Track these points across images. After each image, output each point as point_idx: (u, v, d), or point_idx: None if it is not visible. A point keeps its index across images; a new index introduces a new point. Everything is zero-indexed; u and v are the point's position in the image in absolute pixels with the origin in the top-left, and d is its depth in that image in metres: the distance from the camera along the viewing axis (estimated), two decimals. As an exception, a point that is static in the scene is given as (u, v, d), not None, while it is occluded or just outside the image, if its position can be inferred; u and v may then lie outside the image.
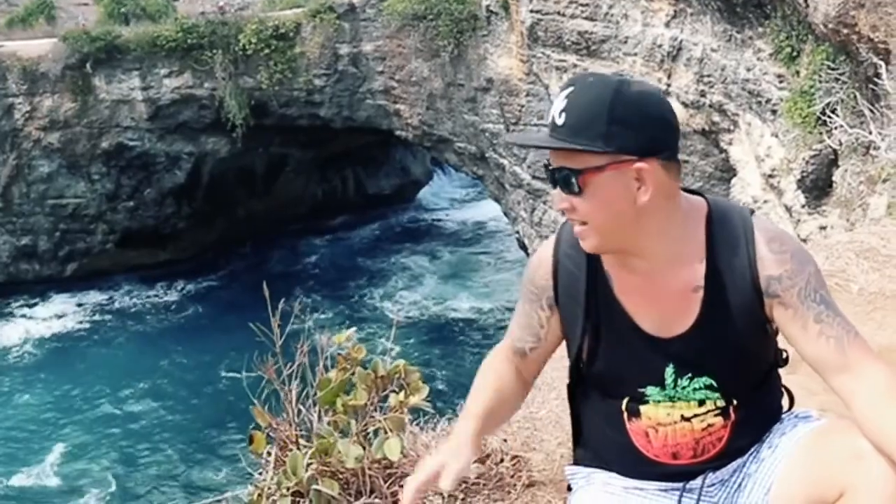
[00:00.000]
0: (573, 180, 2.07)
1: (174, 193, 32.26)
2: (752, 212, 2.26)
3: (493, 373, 2.51)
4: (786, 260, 2.16)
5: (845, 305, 4.61)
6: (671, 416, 2.26)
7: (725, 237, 2.19)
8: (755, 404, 2.29)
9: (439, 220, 38.32)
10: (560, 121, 2.05)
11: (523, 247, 26.29)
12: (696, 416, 2.25)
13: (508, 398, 2.48)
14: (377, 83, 28.74)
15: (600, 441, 2.40)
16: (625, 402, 2.31)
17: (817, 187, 12.46)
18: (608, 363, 2.30)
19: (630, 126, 2.04)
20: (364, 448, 2.90)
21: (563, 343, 2.42)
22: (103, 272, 31.88)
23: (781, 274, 2.15)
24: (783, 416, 2.37)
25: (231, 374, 22.89)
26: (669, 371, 2.24)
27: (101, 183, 31.48)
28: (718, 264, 2.18)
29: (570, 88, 2.07)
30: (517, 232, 26.59)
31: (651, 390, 2.26)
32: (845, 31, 11.55)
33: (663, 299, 2.21)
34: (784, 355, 2.33)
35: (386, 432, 2.94)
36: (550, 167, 2.13)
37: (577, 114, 2.04)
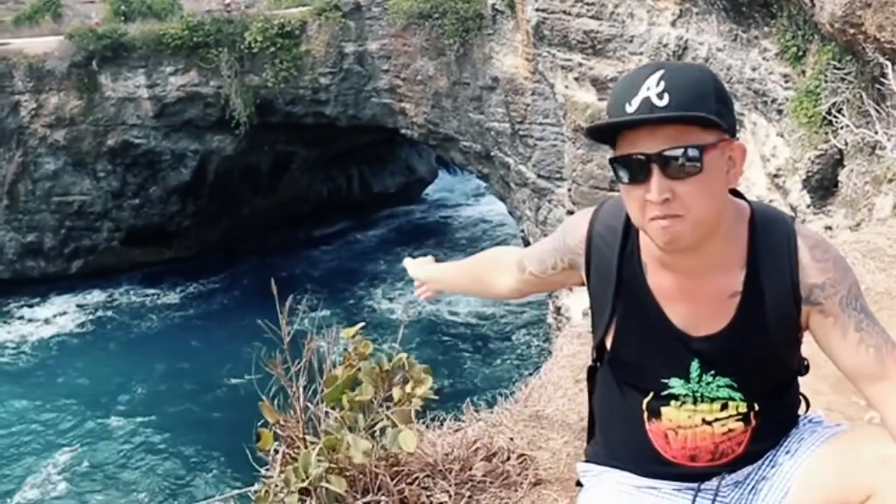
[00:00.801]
0: (698, 156, 1.97)
1: (179, 191, 32.30)
2: (794, 219, 2.25)
3: (490, 258, 2.87)
4: (828, 268, 2.15)
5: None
6: (692, 419, 2.26)
7: (768, 244, 2.17)
8: (776, 411, 2.29)
9: (446, 218, 38.31)
10: (662, 102, 1.95)
11: (528, 245, 26.26)
12: (717, 420, 2.25)
13: (486, 277, 2.83)
14: (382, 82, 28.75)
15: (616, 439, 2.40)
16: (646, 400, 2.30)
17: (823, 187, 12.42)
18: (634, 350, 2.29)
19: (728, 106, 2.04)
20: (372, 444, 2.90)
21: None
22: (108, 269, 31.92)
23: (825, 282, 2.14)
24: (798, 420, 2.37)
25: (236, 372, 22.96)
26: (695, 365, 2.23)
27: (106, 180, 31.53)
28: (759, 271, 2.16)
29: (661, 71, 1.99)
30: (522, 231, 26.59)
31: (675, 382, 2.25)
32: (851, 30, 11.52)
33: (698, 300, 2.20)
34: (805, 363, 2.33)
35: (394, 426, 2.94)
36: (646, 154, 1.99)
37: (683, 92, 1.96)
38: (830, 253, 2.18)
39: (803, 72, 13.68)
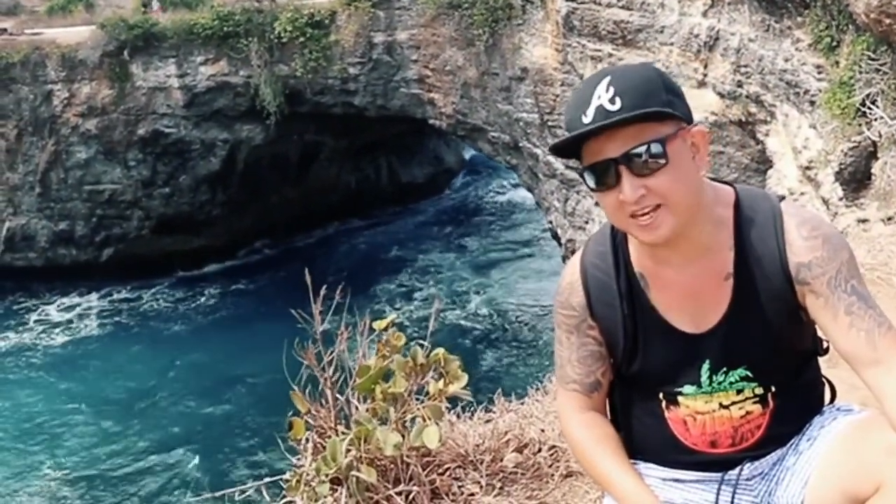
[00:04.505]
0: (661, 149, 2.02)
1: (209, 180, 32.46)
2: (783, 198, 2.24)
3: (588, 429, 2.39)
4: (817, 246, 2.13)
5: (888, 300, 4.55)
6: (710, 404, 2.26)
7: (754, 223, 2.18)
8: (794, 392, 2.28)
9: (475, 208, 38.24)
10: (615, 106, 2.01)
11: (556, 236, 26.20)
12: (734, 403, 2.26)
13: (615, 438, 2.41)
14: (411, 72, 28.70)
15: (638, 430, 2.40)
16: (662, 393, 2.31)
17: (855, 180, 12.29)
18: (645, 365, 2.30)
19: (679, 95, 2.09)
20: (402, 436, 2.91)
21: None
22: (138, 258, 32.14)
23: (811, 261, 2.12)
24: (824, 408, 2.36)
25: (266, 362, 23.05)
26: (705, 368, 2.24)
27: (137, 169, 31.76)
28: (747, 251, 2.17)
29: (608, 77, 2.05)
30: (550, 222, 26.50)
31: (688, 389, 2.27)
32: (887, 20, 11.39)
33: (697, 290, 2.20)
34: (825, 345, 2.32)
35: (424, 420, 2.95)
36: (612, 158, 2.05)
37: (632, 93, 2.01)
38: (821, 230, 2.16)
39: (837, 62, 13.53)
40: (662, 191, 2.03)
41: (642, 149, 2.02)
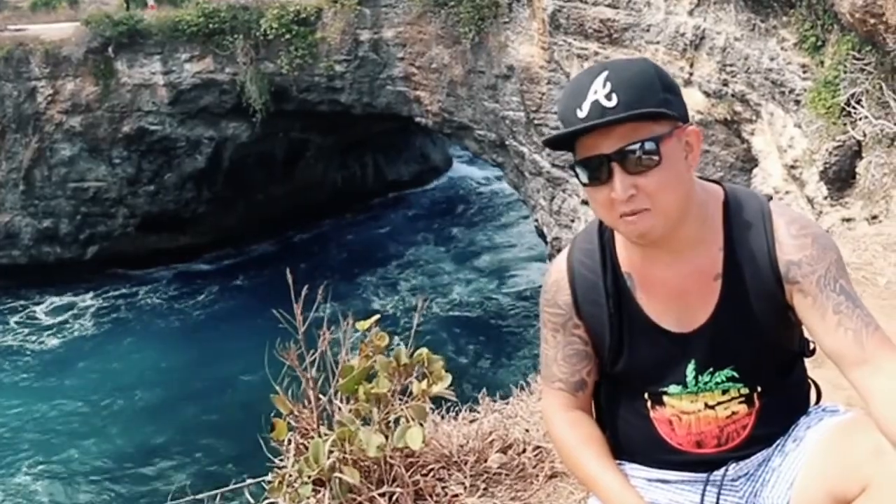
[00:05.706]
0: (654, 148, 2.01)
1: (194, 178, 32.34)
2: (770, 198, 2.24)
3: (573, 429, 2.37)
4: (806, 245, 2.13)
5: (872, 299, 4.56)
6: (695, 404, 2.25)
7: (743, 222, 2.17)
8: (780, 393, 2.27)
9: (460, 199, 38.26)
10: (611, 103, 1.99)
11: (542, 235, 26.23)
12: (719, 403, 2.25)
13: (600, 438, 2.39)
14: (397, 69, 28.68)
15: (623, 430, 2.39)
16: (647, 393, 2.30)
17: (840, 179, 12.33)
18: (630, 364, 2.28)
19: (676, 93, 2.07)
20: (386, 437, 2.89)
21: None
22: (123, 256, 32.01)
23: (801, 259, 2.12)
24: (810, 409, 2.35)
25: (250, 362, 23.00)
26: (690, 368, 2.23)
27: (122, 167, 31.60)
28: (737, 250, 2.16)
29: (606, 72, 2.03)
30: (536, 220, 26.53)
31: (673, 389, 2.26)
32: (872, 20, 11.43)
33: (684, 290, 2.19)
34: (811, 346, 2.31)
35: (408, 421, 2.93)
36: (605, 154, 2.03)
37: (629, 89, 1.99)
38: (809, 229, 2.16)
39: (822, 62, 13.58)
40: (652, 190, 2.02)
41: (636, 146, 2.00)
